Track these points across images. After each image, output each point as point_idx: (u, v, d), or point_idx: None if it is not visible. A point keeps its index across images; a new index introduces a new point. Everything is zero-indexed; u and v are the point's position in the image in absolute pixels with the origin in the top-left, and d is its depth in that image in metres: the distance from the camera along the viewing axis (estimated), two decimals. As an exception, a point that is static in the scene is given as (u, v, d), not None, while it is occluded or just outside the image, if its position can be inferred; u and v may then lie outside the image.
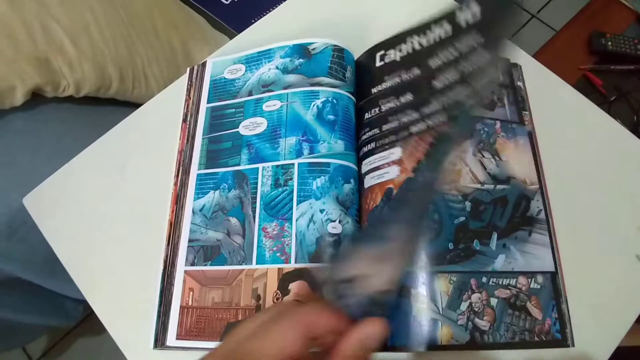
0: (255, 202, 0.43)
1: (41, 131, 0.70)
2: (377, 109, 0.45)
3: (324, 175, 0.43)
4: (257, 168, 0.45)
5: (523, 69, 0.53)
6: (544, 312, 0.40)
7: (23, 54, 0.62)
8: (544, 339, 0.40)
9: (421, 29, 0.43)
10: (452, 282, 0.39)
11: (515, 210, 0.43)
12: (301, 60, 0.48)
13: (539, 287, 0.41)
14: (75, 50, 0.67)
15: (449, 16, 0.39)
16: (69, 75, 0.67)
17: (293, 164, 0.43)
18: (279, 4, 0.59)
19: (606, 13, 1.06)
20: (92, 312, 0.43)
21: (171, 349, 0.40)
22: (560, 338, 0.40)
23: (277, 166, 0.44)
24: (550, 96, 0.52)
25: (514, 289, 0.40)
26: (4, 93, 0.63)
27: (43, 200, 0.49)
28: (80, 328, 1.21)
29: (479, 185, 0.44)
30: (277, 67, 0.49)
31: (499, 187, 0.44)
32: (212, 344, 0.39)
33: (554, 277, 0.42)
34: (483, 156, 0.45)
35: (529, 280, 0.41)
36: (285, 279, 0.40)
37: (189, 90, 0.51)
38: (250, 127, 0.47)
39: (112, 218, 0.47)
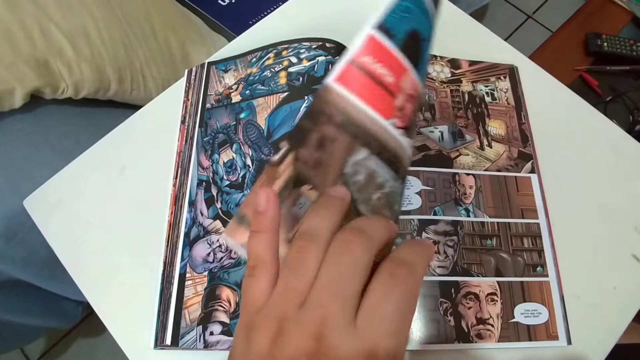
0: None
1: (40, 133, 0.70)
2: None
3: None
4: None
5: (519, 70, 0.53)
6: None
7: (22, 56, 0.62)
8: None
9: None
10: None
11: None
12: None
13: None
14: (74, 53, 0.67)
15: None
16: (67, 77, 0.67)
17: None
18: (277, 6, 0.59)
19: (602, 14, 1.07)
20: (91, 313, 0.43)
21: (172, 348, 0.40)
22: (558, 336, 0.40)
23: None
24: (547, 97, 0.52)
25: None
26: (3, 95, 0.62)
27: (44, 202, 0.49)
28: (78, 329, 1.21)
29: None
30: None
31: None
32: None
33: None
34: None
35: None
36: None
37: (187, 92, 0.51)
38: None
39: (113, 219, 0.47)
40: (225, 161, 0.46)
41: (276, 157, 0.30)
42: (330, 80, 0.30)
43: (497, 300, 0.41)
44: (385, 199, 0.30)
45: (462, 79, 0.51)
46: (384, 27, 0.30)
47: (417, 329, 0.39)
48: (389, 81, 0.30)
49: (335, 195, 0.28)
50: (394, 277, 0.24)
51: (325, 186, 0.30)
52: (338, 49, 0.49)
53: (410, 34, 0.32)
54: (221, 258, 0.42)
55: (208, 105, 0.50)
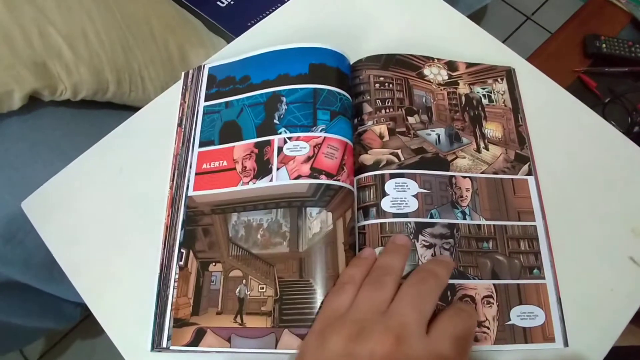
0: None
1: (38, 135, 0.70)
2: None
3: None
4: None
5: (517, 72, 0.53)
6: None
7: (21, 58, 0.63)
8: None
9: None
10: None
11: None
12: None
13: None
14: (73, 55, 0.67)
15: None
16: (66, 79, 0.67)
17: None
18: (276, 7, 0.59)
19: (601, 15, 1.07)
20: (89, 315, 0.43)
21: (168, 351, 0.40)
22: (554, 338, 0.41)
23: None
24: (544, 99, 0.52)
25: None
26: (2, 97, 0.63)
27: (42, 204, 0.49)
28: (77, 330, 1.21)
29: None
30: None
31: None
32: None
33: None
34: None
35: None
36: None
37: (184, 95, 0.52)
38: None
39: (110, 222, 0.47)
40: None
41: (181, 263, 0.42)
42: (191, 192, 0.44)
43: (493, 303, 0.41)
44: (268, 231, 0.40)
45: (459, 81, 0.51)
46: (203, 142, 0.46)
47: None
48: (225, 164, 0.44)
49: (400, 243, 0.36)
50: (458, 314, 0.32)
51: (224, 255, 0.41)
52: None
53: (221, 132, 0.46)
54: None
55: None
